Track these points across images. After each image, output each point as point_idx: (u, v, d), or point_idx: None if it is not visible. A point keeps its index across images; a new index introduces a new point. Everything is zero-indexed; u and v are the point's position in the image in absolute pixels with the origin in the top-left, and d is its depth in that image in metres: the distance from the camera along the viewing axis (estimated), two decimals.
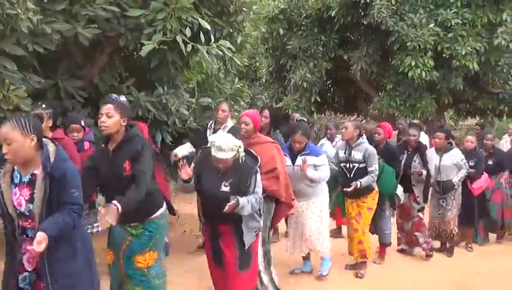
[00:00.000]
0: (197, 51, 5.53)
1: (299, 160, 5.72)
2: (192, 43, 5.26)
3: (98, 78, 5.98)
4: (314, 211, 5.98)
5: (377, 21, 10.75)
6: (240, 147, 4.32)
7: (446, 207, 7.28)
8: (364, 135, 6.48)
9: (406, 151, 7.10)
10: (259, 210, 4.57)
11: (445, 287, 6.26)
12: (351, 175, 6.28)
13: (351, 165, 6.31)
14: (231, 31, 6.65)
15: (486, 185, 7.65)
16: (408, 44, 10.58)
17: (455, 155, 7.18)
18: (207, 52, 5.53)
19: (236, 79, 8.59)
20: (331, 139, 8.26)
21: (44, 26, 4.72)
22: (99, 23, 5.17)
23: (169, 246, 6.53)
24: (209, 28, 5.42)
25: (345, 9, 11.45)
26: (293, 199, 5.58)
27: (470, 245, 7.81)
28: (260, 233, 4.92)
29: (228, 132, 5.51)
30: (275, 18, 12.56)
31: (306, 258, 6.40)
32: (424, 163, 6.97)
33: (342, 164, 6.44)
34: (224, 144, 4.21)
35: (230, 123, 6.52)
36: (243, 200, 4.21)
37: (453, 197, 7.23)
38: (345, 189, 6.29)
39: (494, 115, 13.16)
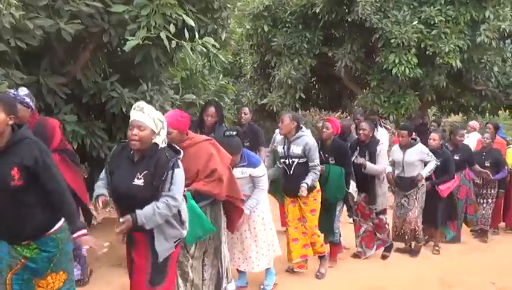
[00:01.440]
0: (182, 47, 5.51)
1: (236, 171, 5.17)
2: (176, 40, 5.24)
3: (81, 74, 5.93)
4: (256, 220, 5.54)
5: (361, 18, 10.78)
6: (163, 125, 3.75)
7: (408, 207, 7.12)
8: (304, 127, 6.09)
9: (358, 148, 6.85)
10: (180, 216, 3.93)
11: (428, 283, 6.33)
12: (291, 171, 5.96)
13: (290, 161, 5.94)
14: (216, 27, 6.62)
15: (454, 186, 7.54)
16: (392, 41, 10.61)
17: (419, 151, 7.05)
18: (191, 48, 5.50)
19: (221, 76, 8.59)
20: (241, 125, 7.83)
21: (27, 22, 4.68)
22: (82, 19, 5.13)
23: (86, 265, 5.61)
24: (193, 24, 5.39)
25: (329, 6, 11.47)
26: (242, 199, 5.06)
27: (436, 247, 7.64)
28: (206, 243, 4.69)
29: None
30: (260, 15, 12.55)
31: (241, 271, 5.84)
32: (372, 159, 6.70)
33: (281, 160, 6.08)
34: (147, 106, 3.69)
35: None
36: (141, 214, 3.55)
37: (415, 197, 7.08)
38: (285, 187, 6.08)
39: (477, 112, 13.28)
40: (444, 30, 10.65)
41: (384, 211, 6.95)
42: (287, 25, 12.60)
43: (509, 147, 9.09)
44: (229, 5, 6.73)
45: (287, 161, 5.98)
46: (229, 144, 5.04)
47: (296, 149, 5.88)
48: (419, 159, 7.02)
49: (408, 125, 7.42)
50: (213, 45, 5.60)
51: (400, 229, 7.27)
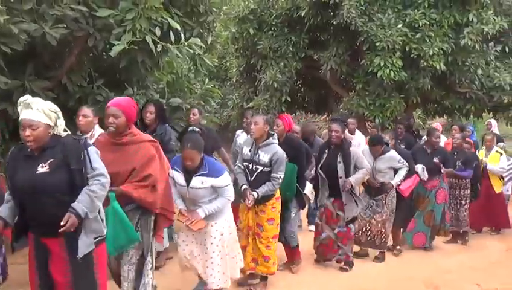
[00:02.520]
0: (167, 51, 5.51)
1: (195, 181, 4.70)
2: (162, 43, 5.24)
3: (66, 78, 5.92)
4: (215, 235, 4.93)
5: (346, 21, 10.81)
6: (57, 114, 3.39)
7: (376, 209, 6.97)
8: (275, 134, 5.70)
9: (327, 150, 6.48)
10: (99, 212, 3.54)
11: (413, 284, 6.36)
12: (252, 178, 5.51)
13: (254, 167, 5.50)
14: (201, 31, 6.64)
15: (415, 184, 7.33)
16: (377, 44, 10.66)
17: (390, 158, 6.91)
18: (178, 50, 5.50)
19: (207, 79, 8.62)
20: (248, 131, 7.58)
21: (11, 26, 4.66)
22: (67, 23, 5.12)
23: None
24: (179, 27, 5.40)
25: (314, 9, 11.48)
26: (174, 212, 4.68)
27: (397, 247, 7.49)
28: (130, 251, 4.27)
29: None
30: (245, 18, 12.54)
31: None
32: (346, 164, 6.31)
33: (244, 163, 5.62)
34: (34, 100, 3.30)
35: (98, 130, 5.46)
36: (78, 205, 3.26)
37: (384, 201, 6.95)
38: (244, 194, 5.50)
39: (461, 114, 13.37)
40: (428, 33, 10.73)
41: (353, 220, 6.58)
42: (272, 28, 12.60)
43: (481, 149, 9.05)
44: (214, 9, 6.76)
45: (250, 165, 5.55)
46: (191, 139, 4.64)
47: (263, 157, 5.46)
48: (390, 167, 6.91)
49: (380, 138, 7.15)
50: (199, 46, 5.61)
51: (360, 229, 7.04)
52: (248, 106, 13.01)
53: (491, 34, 10.76)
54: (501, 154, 8.66)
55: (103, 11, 5.21)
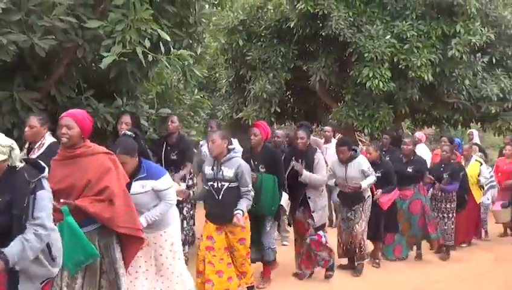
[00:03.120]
0: (157, 62, 5.52)
1: (135, 186, 4.49)
2: (152, 54, 5.24)
3: (55, 89, 5.90)
4: (164, 246, 4.75)
5: (334, 32, 10.88)
6: (12, 147, 3.20)
7: (354, 220, 6.78)
8: (235, 148, 5.63)
9: (294, 158, 6.36)
10: (50, 251, 3.28)
11: None
12: (220, 196, 5.30)
13: (220, 185, 5.29)
14: (191, 42, 6.65)
15: (394, 197, 7.25)
16: (365, 55, 10.73)
17: (360, 163, 6.72)
18: (167, 61, 5.50)
19: (196, 90, 8.61)
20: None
21: (0, 37, 4.64)
22: (56, 34, 5.10)
23: None
24: (168, 39, 5.41)
25: (303, 20, 11.53)
26: (141, 230, 4.25)
27: (377, 260, 7.41)
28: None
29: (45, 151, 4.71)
30: (235, 29, 12.57)
31: None
32: (308, 169, 6.21)
33: (208, 183, 5.40)
34: None
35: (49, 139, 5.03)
36: (10, 252, 2.98)
37: (361, 209, 6.78)
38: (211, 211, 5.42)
39: (449, 124, 13.46)
40: (416, 44, 10.82)
41: (323, 227, 6.47)
42: (261, 39, 12.64)
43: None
44: (203, 20, 6.77)
45: (215, 184, 5.32)
46: (122, 143, 4.49)
47: (227, 172, 5.28)
48: (362, 173, 6.71)
49: (347, 140, 7.06)
50: (189, 55, 5.61)
51: (346, 244, 6.95)
52: (238, 116, 13.04)
53: (478, 45, 10.88)
54: (481, 163, 8.66)
55: (92, 22, 5.20)
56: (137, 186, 4.50)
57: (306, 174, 6.18)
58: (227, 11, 12.09)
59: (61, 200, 3.63)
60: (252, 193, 5.38)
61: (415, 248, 7.91)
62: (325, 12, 10.87)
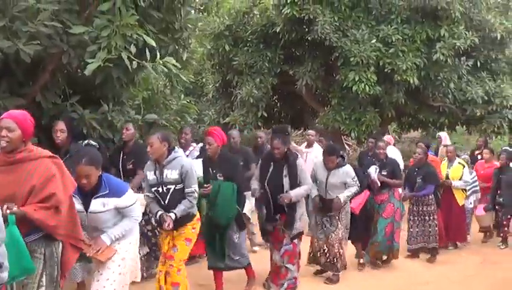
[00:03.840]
0: (143, 67, 5.49)
1: (95, 204, 4.17)
2: (137, 60, 5.23)
3: (40, 95, 5.85)
4: (114, 259, 4.29)
5: (320, 37, 10.93)
6: None
7: (330, 227, 6.48)
8: (176, 147, 5.35)
9: (272, 163, 5.96)
10: None
11: None
12: (166, 201, 4.99)
13: (165, 189, 4.98)
14: (177, 47, 6.63)
15: (365, 200, 7.01)
16: (351, 59, 10.80)
17: (345, 173, 6.46)
18: (153, 68, 5.48)
19: (183, 95, 8.59)
20: (185, 147, 7.18)
21: None
22: (41, 40, 5.07)
23: None
24: (154, 44, 5.38)
25: (289, 25, 11.57)
26: (82, 239, 4.00)
27: (360, 261, 7.21)
28: None
29: None
30: (221, 34, 12.60)
31: None
32: (292, 176, 5.85)
33: (152, 189, 5.06)
34: None
35: None
36: None
37: (337, 217, 6.48)
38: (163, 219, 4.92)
39: (435, 127, 13.57)
40: (401, 48, 10.92)
41: (299, 235, 6.08)
42: (248, 44, 12.68)
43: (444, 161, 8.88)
44: (189, 25, 6.76)
45: (160, 188, 5.00)
46: (86, 153, 4.25)
47: (171, 174, 4.96)
48: (344, 182, 6.43)
49: (336, 148, 6.78)
50: (174, 65, 5.59)
51: (319, 250, 6.60)
52: (224, 121, 13.04)
53: (462, 48, 11.02)
54: (464, 166, 8.65)
55: (77, 28, 5.18)
56: (97, 204, 4.18)
57: (293, 195, 5.80)
58: (213, 17, 12.11)
59: (5, 207, 3.35)
60: (196, 195, 5.05)
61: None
62: (311, 17, 10.93)
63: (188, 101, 8.70)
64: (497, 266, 7.74)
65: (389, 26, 11.17)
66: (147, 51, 5.30)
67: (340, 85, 11.36)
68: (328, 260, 6.55)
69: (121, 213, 4.32)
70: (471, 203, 8.90)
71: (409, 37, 11.14)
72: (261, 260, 6.72)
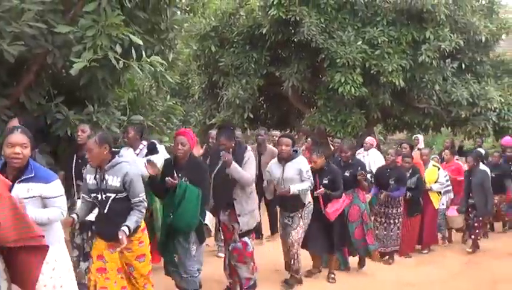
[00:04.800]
0: (129, 68, 5.47)
1: (18, 189, 3.66)
2: (123, 60, 5.20)
3: (24, 96, 5.81)
4: (44, 271, 3.68)
5: (307, 39, 10.95)
6: None
7: (292, 225, 6.11)
8: (123, 149, 4.89)
9: (219, 162, 5.55)
10: None
11: None
12: (105, 209, 4.42)
13: (104, 196, 4.40)
14: (162, 48, 6.61)
15: (343, 206, 6.61)
16: (337, 61, 10.83)
17: (299, 163, 6.05)
18: (139, 68, 5.45)
19: (169, 96, 8.56)
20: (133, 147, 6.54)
21: None
22: (25, 40, 5.03)
23: None
24: (141, 43, 5.36)
25: (275, 27, 11.57)
26: (42, 236, 3.29)
27: (332, 274, 6.72)
28: None
29: None
30: (207, 35, 12.57)
31: None
32: (235, 172, 5.40)
33: (91, 194, 4.49)
34: None
35: None
36: None
37: (300, 215, 6.11)
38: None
39: (420, 129, 13.64)
40: (387, 50, 10.98)
41: (250, 233, 5.74)
42: (234, 46, 12.66)
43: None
44: (175, 26, 6.75)
45: (99, 195, 4.44)
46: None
47: (112, 181, 4.39)
48: (299, 174, 6.01)
49: (290, 134, 6.43)
50: (160, 64, 5.57)
51: (292, 257, 6.17)
52: (211, 122, 13.03)
53: (447, 50, 11.10)
54: (438, 168, 8.64)
55: (62, 27, 5.14)
56: (21, 189, 3.67)
57: (235, 165, 5.41)
58: (199, 18, 12.08)
59: None
60: (145, 204, 4.50)
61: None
62: (297, 19, 10.94)
63: (174, 102, 8.68)
64: (482, 265, 7.79)
65: (375, 28, 11.22)
66: (132, 51, 5.28)
67: (326, 86, 11.38)
68: (288, 264, 6.27)
69: (42, 206, 3.80)
70: (443, 203, 8.84)
71: (395, 39, 11.20)
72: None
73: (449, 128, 13.41)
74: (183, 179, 5.14)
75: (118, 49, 5.14)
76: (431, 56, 10.93)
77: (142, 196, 4.45)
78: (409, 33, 11.21)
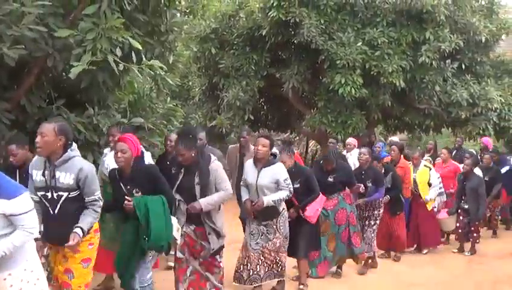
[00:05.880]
0: (129, 70, 5.46)
1: None
2: (123, 63, 5.20)
3: (25, 99, 5.81)
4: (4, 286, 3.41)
5: (307, 40, 10.95)
6: None
7: (268, 235, 5.70)
8: (74, 144, 4.19)
9: (182, 170, 5.08)
10: None
11: None
12: (55, 210, 4.01)
13: (55, 195, 3.98)
14: (163, 50, 6.61)
15: (321, 205, 6.38)
16: (337, 62, 10.83)
17: (276, 172, 5.62)
18: (139, 71, 5.45)
19: (169, 99, 8.56)
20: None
21: None
22: (25, 44, 5.03)
23: None
24: (140, 47, 5.36)
25: (275, 28, 11.57)
26: None
27: (302, 284, 6.34)
28: None
29: None
30: (207, 37, 12.57)
31: None
32: (204, 184, 4.97)
33: (39, 193, 4.04)
34: None
35: None
36: None
37: (275, 226, 5.71)
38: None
39: (421, 129, 13.65)
40: (387, 51, 10.97)
41: (220, 250, 5.25)
42: (234, 47, 12.66)
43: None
44: (175, 28, 6.75)
45: (49, 194, 4.00)
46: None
47: (64, 178, 3.97)
48: (275, 182, 5.61)
49: (269, 135, 6.04)
50: (160, 67, 5.57)
51: (257, 263, 5.74)
52: (211, 124, 13.03)
53: (447, 51, 11.10)
54: (430, 168, 8.63)
55: (62, 31, 5.14)
56: None
57: (203, 204, 4.94)
58: (199, 20, 12.09)
59: None
60: (101, 203, 4.13)
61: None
62: (297, 20, 10.94)
63: (175, 104, 8.67)
64: (483, 266, 7.81)
65: (375, 29, 11.22)
66: (132, 54, 5.28)
67: (327, 88, 11.38)
68: (267, 269, 5.74)
69: (11, 225, 3.37)
70: (435, 206, 8.69)
71: (395, 39, 11.20)
72: None
73: (449, 128, 13.41)
74: (133, 192, 4.64)
75: (118, 52, 5.14)
76: (431, 57, 10.93)
77: (98, 194, 4.10)
78: (408, 34, 11.21)
